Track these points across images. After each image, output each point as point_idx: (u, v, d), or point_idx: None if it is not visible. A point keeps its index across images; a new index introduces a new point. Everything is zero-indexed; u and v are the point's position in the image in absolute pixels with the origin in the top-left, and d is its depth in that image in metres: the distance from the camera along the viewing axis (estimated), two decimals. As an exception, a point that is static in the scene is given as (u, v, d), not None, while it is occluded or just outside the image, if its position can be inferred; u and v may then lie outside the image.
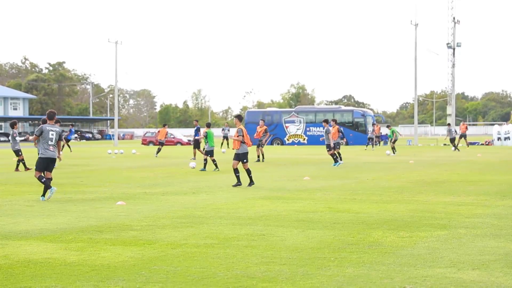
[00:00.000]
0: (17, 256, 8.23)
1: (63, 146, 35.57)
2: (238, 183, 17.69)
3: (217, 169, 24.30)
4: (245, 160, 17.80)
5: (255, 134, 31.56)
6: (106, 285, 6.70)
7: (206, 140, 24.45)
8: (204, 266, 7.53)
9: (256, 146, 31.35)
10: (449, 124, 49.58)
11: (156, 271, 7.33)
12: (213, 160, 24.43)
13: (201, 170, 24.27)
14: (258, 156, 30.94)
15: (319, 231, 10.04)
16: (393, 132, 41.06)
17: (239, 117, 18.32)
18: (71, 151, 41.82)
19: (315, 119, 59.56)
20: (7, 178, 21.25)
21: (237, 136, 17.79)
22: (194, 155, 31.51)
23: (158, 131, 41.94)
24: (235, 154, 17.97)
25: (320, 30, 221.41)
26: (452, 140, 44.12)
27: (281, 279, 6.92)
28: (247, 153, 17.94)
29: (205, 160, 24.51)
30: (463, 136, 47.86)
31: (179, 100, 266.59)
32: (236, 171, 17.87)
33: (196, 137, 31.06)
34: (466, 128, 49.17)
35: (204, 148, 25.36)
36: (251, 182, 17.76)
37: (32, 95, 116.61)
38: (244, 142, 17.86)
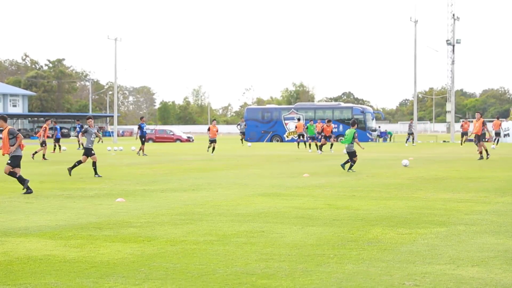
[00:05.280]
0: (16, 253, 8.23)
1: None
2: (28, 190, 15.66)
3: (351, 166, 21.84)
4: (9, 162, 16.01)
5: (474, 130, 28.19)
6: (105, 281, 6.70)
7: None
8: (203, 263, 7.52)
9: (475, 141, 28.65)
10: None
11: (156, 267, 7.32)
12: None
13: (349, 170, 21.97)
14: (481, 153, 28.08)
15: (319, 228, 10.04)
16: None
17: (3, 118, 16.30)
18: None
19: (314, 116, 59.56)
20: (6, 175, 21.20)
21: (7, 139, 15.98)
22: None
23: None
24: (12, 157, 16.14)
25: (319, 27, 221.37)
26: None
27: (281, 275, 6.92)
28: (20, 156, 16.14)
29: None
30: (465, 134, 47.70)
31: (179, 97, 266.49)
32: (12, 174, 15.99)
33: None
34: (469, 126, 48.99)
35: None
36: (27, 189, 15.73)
37: (32, 92, 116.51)
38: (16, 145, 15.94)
